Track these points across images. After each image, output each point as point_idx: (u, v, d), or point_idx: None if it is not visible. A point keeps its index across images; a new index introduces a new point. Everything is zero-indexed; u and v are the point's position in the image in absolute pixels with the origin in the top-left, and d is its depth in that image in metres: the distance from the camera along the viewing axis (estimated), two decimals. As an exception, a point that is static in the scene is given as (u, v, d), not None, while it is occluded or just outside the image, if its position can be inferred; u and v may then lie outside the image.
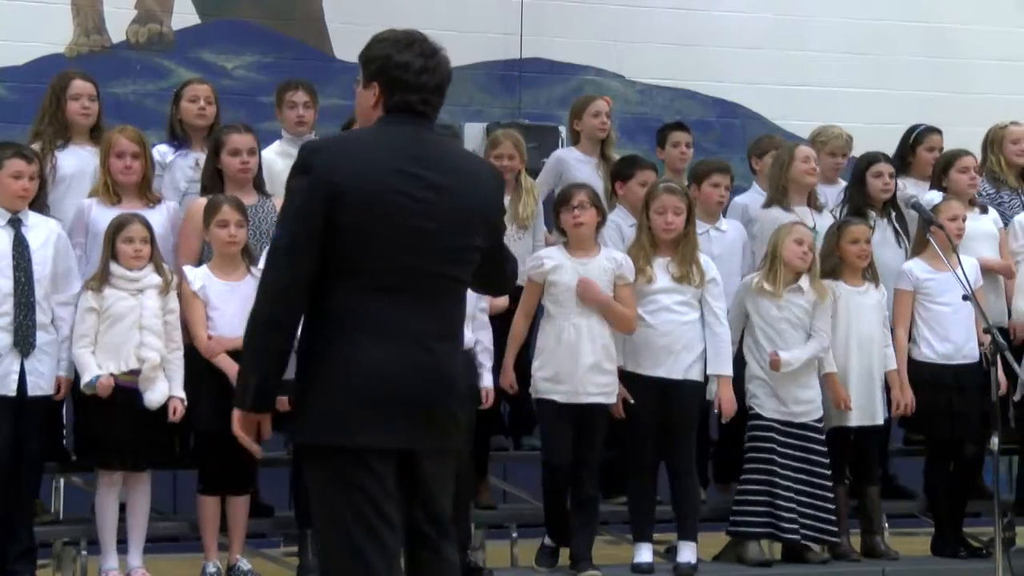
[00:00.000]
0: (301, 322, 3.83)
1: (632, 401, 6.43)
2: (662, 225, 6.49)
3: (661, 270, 6.50)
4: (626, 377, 6.46)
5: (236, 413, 3.91)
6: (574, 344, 6.31)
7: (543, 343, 6.41)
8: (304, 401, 3.81)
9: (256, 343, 3.84)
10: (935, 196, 7.20)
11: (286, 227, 3.83)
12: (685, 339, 6.48)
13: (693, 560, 6.52)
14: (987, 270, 7.22)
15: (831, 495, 6.67)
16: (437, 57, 3.91)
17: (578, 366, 6.30)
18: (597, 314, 6.35)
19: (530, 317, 6.47)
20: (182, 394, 6.12)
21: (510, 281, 4.22)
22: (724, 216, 7.19)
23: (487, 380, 6.38)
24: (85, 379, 6.01)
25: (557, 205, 6.55)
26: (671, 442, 6.49)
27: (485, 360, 6.35)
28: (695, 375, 6.50)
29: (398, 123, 3.88)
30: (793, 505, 6.60)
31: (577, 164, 7.46)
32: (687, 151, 7.58)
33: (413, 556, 3.96)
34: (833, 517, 6.68)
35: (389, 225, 3.77)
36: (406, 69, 3.87)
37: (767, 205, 7.12)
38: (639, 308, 6.46)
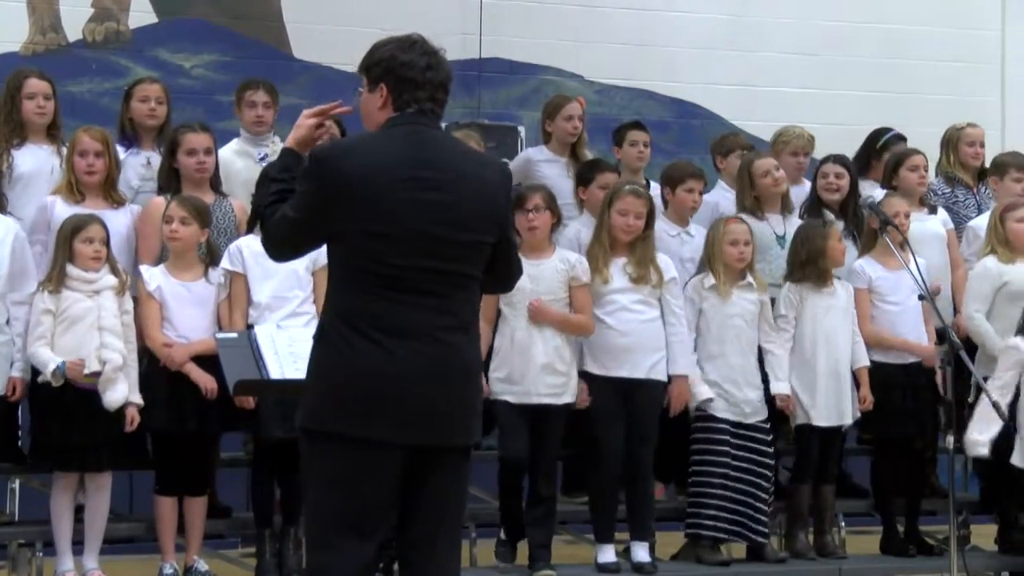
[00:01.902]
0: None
1: (585, 407, 6.45)
2: (622, 226, 6.51)
3: (618, 270, 6.53)
4: (589, 378, 6.48)
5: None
6: (526, 346, 6.34)
7: (498, 344, 6.44)
8: (312, 392, 3.88)
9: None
10: (879, 194, 7.25)
11: (287, 217, 3.91)
12: (645, 338, 6.50)
13: (648, 559, 6.56)
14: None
15: (766, 496, 6.71)
16: (439, 56, 3.99)
17: (530, 367, 6.33)
18: None
19: (491, 321, 6.47)
20: (139, 399, 6.09)
21: (517, 274, 4.25)
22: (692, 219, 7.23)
23: None
24: (50, 368, 5.94)
25: (512, 206, 6.54)
26: (632, 442, 6.51)
27: None
28: (658, 375, 6.53)
29: (406, 123, 3.94)
30: (735, 507, 6.65)
31: (545, 164, 7.48)
32: (644, 150, 7.60)
33: (405, 559, 3.98)
34: (765, 518, 6.72)
35: (403, 227, 3.83)
36: (412, 67, 3.94)
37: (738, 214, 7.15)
38: (597, 309, 6.49)
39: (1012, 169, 7.63)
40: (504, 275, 4.15)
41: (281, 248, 4.03)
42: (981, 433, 6.58)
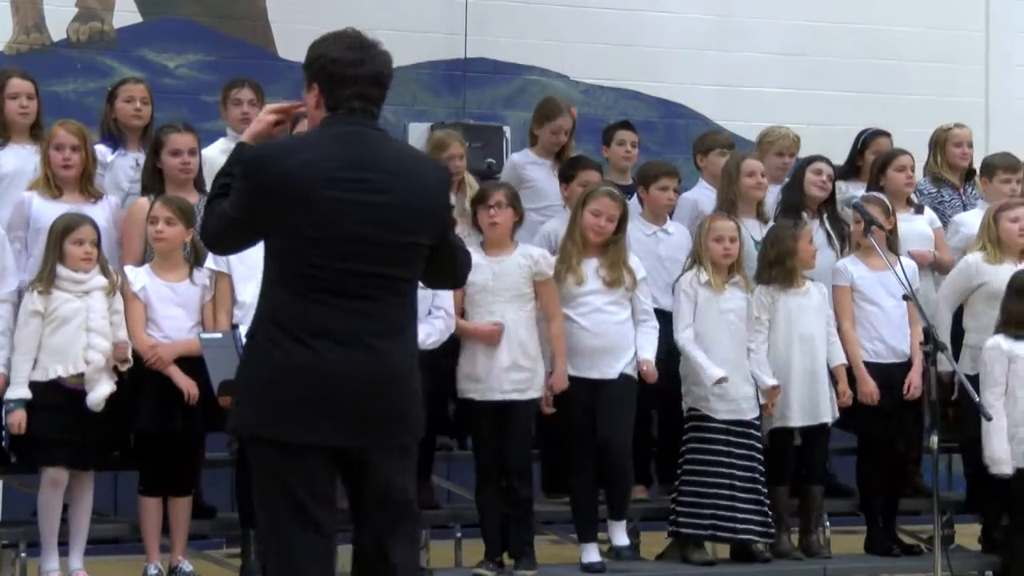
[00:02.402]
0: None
1: (552, 410, 6.45)
2: (593, 226, 6.51)
3: (591, 272, 6.53)
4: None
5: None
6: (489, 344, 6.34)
7: (464, 342, 6.44)
8: (245, 395, 3.91)
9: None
10: (859, 195, 7.25)
11: (225, 214, 3.92)
12: (618, 339, 6.51)
13: (626, 541, 6.55)
14: (920, 261, 7.28)
15: (765, 492, 6.71)
16: (371, 50, 3.92)
17: (494, 364, 6.33)
18: (512, 312, 6.37)
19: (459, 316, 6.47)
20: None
21: (464, 273, 4.20)
22: (672, 215, 7.22)
23: None
24: (8, 395, 5.94)
25: (474, 203, 6.57)
26: (605, 423, 6.46)
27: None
28: (629, 371, 6.54)
29: (338, 124, 3.90)
30: (736, 504, 6.64)
31: (532, 167, 7.48)
32: (632, 150, 7.61)
33: (359, 558, 3.98)
34: (770, 516, 6.72)
35: (331, 229, 3.80)
36: (339, 64, 3.89)
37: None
38: (570, 310, 6.50)
39: (1000, 170, 7.66)
40: (449, 273, 4.12)
41: (216, 243, 4.08)
42: (1004, 451, 6.63)
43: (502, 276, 6.41)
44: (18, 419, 5.93)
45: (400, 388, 3.90)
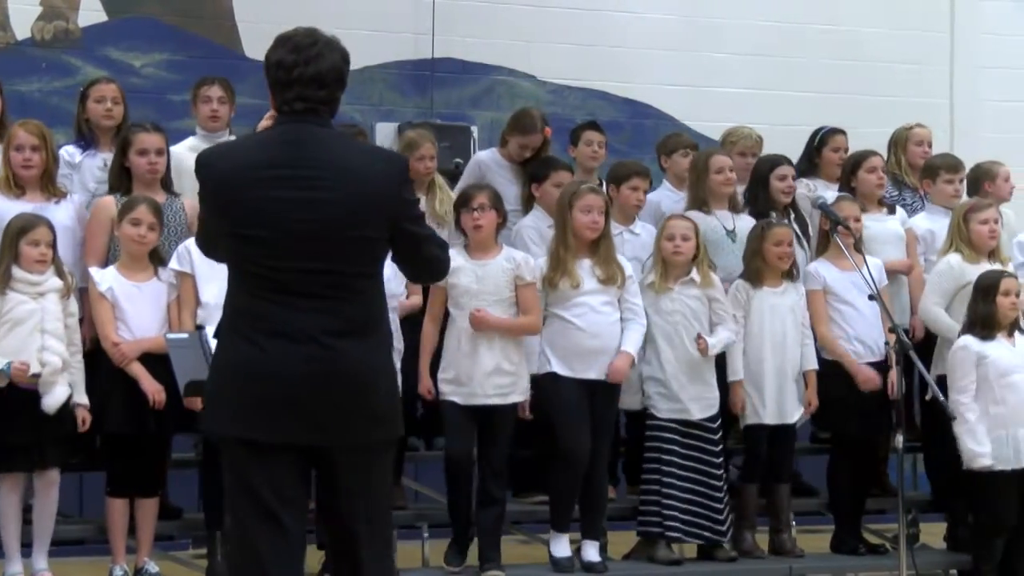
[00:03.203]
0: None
1: (530, 416, 6.46)
2: (588, 223, 6.49)
3: (586, 272, 6.52)
4: (556, 380, 6.46)
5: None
6: (473, 347, 6.33)
7: (446, 346, 6.43)
8: (208, 395, 3.95)
9: None
10: (831, 196, 7.28)
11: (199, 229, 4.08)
12: (612, 339, 6.51)
13: (598, 558, 6.57)
14: (890, 271, 7.32)
15: (720, 495, 6.73)
16: (313, 49, 3.91)
17: (477, 369, 6.32)
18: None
19: (437, 321, 6.47)
20: (86, 400, 6.05)
21: (435, 264, 4.14)
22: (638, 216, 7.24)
23: None
24: None
25: (457, 206, 6.56)
26: (597, 434, 6.49)
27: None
28: None
29: (283, 124, 3.94)
30: (687, 506, 6.67)
31: (496, 168, 7.47)
32: (599, 151, 7.60)
33: (335, 557, 4.00)
34: (721, 517, 6.74)
35: (273, 228, 3.83)
36: (279, 67, 3.92)
37: (688, 209, 7.16)
38: (565, 311, 6.49)
39: (943, 171, 7.63)
40: (419, 265, 4.10)
41: (202, 249, 4.14)
42: (979, 444, 6.65)
43: (486, 279, 6.39)
44: (21, 370, 5.86)
45: (362, 386, 3.89)
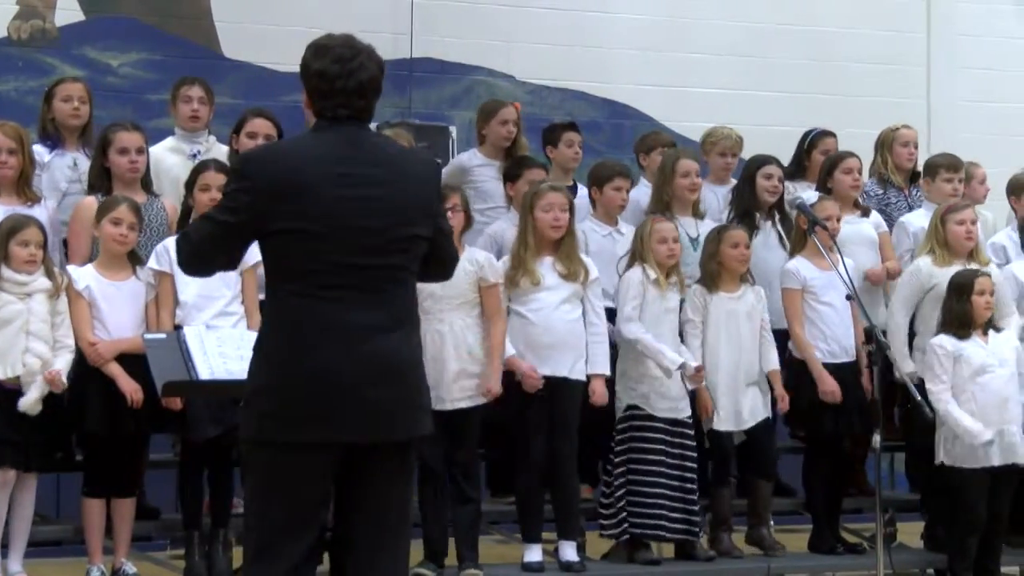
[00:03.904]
0: None
1: (493, 398, 6.45)
2: (551, 222, 6.51)
3: (547, 269, 6.53)
4: (512, 376, 6.46)
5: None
6: (438, 353, 6.31)
7: None
8: (251, 400, 3.90)
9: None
10: (811, 196, 7.30)
11: (213, 220, 3.93)
12: (568, 336, 6.52)
13: (576, 558, 6.57)
14: (875, 281, 7.36)
15: (695, 496, 6.75)
16: (354, 62, 3.95)
17: (444, 374, 6.31)
18: (459, 319, 6.38)
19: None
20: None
21: (454, 262, 4.26)
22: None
23: None
24: None
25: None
26: (554, 442, 6.51)
27: None
28: (578, 374, 6.55)
29: (328, 127, 3.96)
30: (675, 504, 6.68)
31: (479, 168, 7.47)
32: (579, 151, 7.62)
33: (340, 559, 4.00)
34: (696, 517, 6.75)
35: (331, 225, 3.84)
36: (322, 77, 3.95)
37: (650, 211, 7.15)
38: (522, 307, 6.51)
39: (943, 170, 7.69)
40: (442, 265, 4.17)
41: (195, 259, 4.00)
42: (976, 423, 6.71)
43: (450, 283, 6.38)
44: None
45: (406, 378, 3.93)
